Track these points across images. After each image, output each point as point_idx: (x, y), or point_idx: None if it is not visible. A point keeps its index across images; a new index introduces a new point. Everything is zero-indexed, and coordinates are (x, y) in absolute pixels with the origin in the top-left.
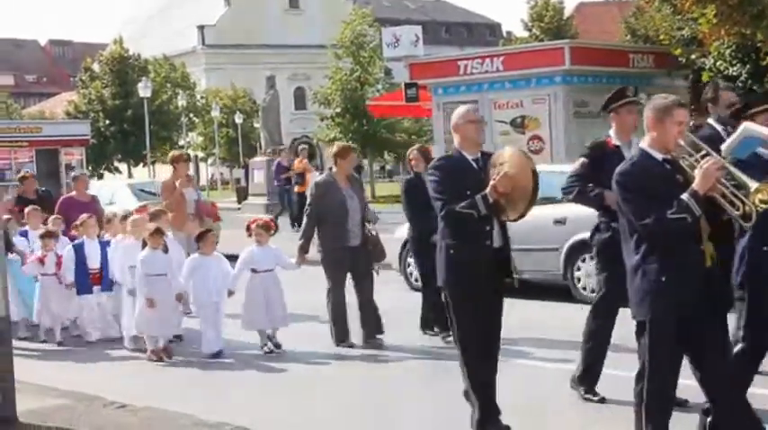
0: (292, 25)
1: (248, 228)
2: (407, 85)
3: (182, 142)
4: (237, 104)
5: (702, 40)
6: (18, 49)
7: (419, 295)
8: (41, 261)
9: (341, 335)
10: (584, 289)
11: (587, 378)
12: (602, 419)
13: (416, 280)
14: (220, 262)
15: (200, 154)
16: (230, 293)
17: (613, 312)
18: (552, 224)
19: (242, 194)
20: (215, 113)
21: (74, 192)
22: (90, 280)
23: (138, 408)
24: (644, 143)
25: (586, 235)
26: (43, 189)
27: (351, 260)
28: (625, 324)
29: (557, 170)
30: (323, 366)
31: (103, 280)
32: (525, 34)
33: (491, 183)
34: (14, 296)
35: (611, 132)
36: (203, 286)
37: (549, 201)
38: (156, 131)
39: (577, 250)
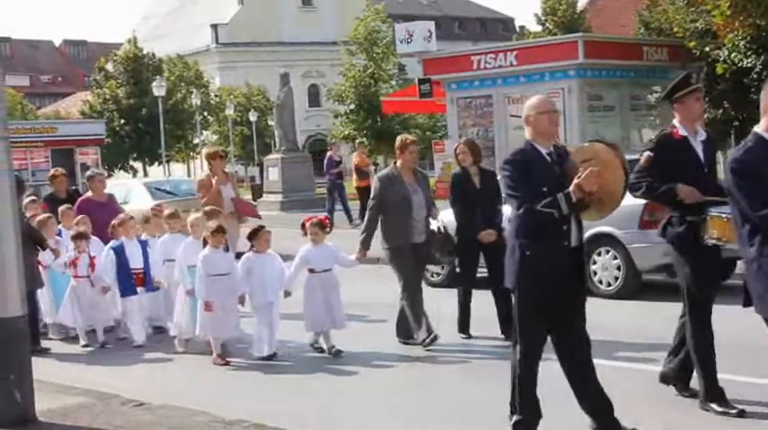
0: (305, 22)
1: (303, 227)
2: (421, 81)
3: (196, 140)
4: (252, 102)
5: (716, 32)
6: (33, 49)
7: (440, 293)
8: (74, 264)
9: (428, 332)
10: (600, 282)
11: (713, 390)
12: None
13: (432, 275)
14: (275, 260)
15: None
16: (287, 294)
17: (711, 306)
18: None
19: (257, 192)
20: (229, 111)
21: (90, 193)
22: (134, 281)
23: (155, 406)
24: (760, 127)
25: (602, 228)
26: (74, 188)
27: (415, 256)
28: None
29: None
30: (367, 367)
31: (146, 280)
32: (538, 28)
33: (575, 181)
34: (49, 299)
35: (677, 122)
36: (260, 286)
37: None
38: (171, 130)
39: (593, 243)
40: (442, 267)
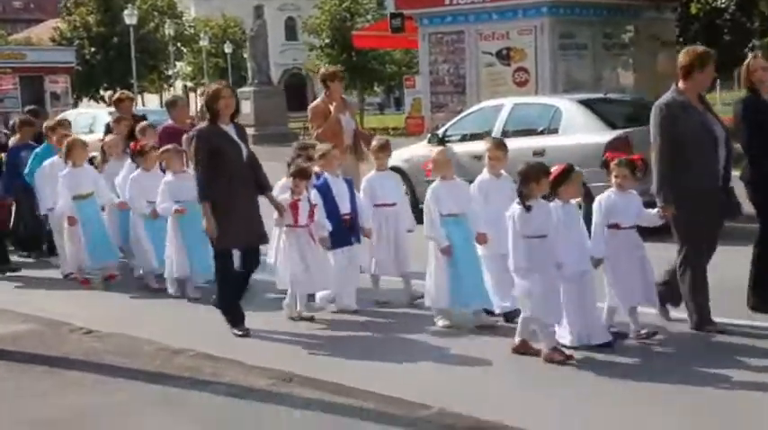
0: None
1: (606, 165)
2: (393, 15)
3: (170, 72)
4: (227, 34)
5: None
6: None
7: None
8: (295, 207)
9: (707, 319)
10: None
11: None
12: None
13: None
14: (579, 217)
15: (189, 84)
16: (598, 263)
17: None
18: (532, 156)
19: None
20: (204, 43)
21: (170, 121)
22: (345, 228)
23: (104, 334)
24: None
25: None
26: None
27: (712, 210)
28: None
29: (540, 102)
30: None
31: (354, 228)
32: None
33: None
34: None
35: None
36: (568, 252)
37: (529, 133)
38: (143, 60)
39: None
40: None
